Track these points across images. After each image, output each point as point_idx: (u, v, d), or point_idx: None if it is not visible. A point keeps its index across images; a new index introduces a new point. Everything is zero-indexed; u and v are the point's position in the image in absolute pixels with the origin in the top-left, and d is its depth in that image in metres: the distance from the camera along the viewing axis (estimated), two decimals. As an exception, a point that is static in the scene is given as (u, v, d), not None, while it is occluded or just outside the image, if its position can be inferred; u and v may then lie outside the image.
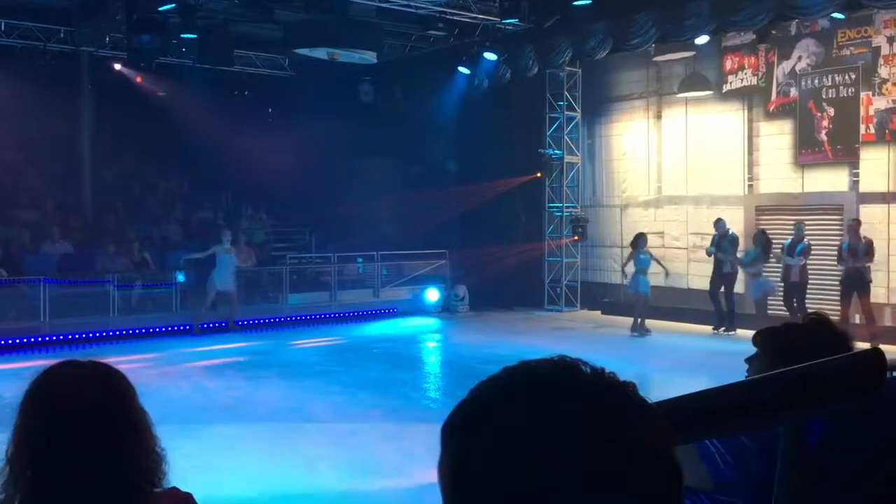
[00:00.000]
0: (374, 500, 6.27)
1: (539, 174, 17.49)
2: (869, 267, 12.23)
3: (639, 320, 13.96)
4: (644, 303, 13.99)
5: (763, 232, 13.63)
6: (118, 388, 1.65)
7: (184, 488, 1.82)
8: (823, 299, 12.83)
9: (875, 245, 12.37)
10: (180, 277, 15.34)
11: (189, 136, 18.09)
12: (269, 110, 19.75)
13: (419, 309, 17.14)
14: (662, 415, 0.79)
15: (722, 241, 13.76)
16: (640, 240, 14.07)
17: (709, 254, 13.96)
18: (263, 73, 18.70)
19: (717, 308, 13.92)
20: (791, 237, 13.07)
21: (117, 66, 17.45)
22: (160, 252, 16.90)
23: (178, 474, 1.79)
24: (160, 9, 14.16)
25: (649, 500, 0.74)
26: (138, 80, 18.26)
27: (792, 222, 13.47)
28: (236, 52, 16.92)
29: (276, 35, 15.50)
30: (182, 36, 15.08)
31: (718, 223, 13.97)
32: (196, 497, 1.87)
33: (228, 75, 17.88)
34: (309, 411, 9.03)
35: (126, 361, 11.00)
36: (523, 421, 0.74)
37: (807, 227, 13.14)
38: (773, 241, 13.45)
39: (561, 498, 0.72)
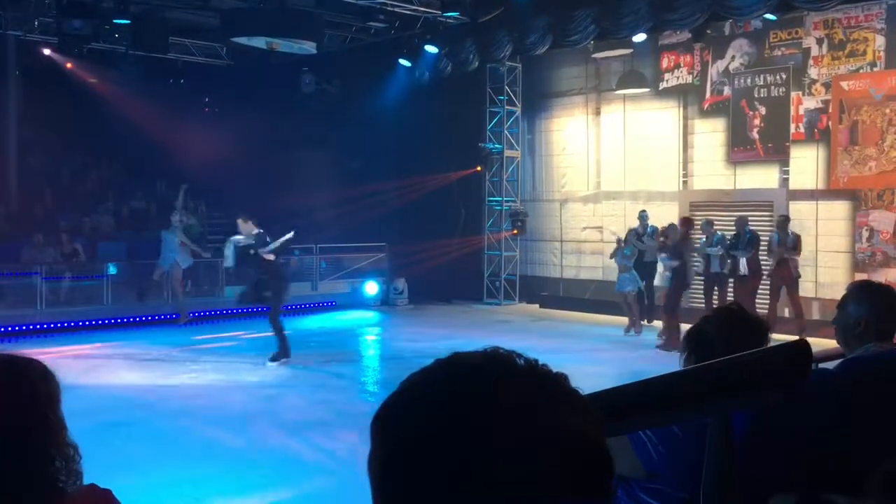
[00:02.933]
0: (312, 494, 6.22)
1: (479, 168, 17.55)
2: (797, 262, 12.58)
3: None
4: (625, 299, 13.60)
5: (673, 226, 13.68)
6: (31, 388, 1.59)
7: (112, 486, 1.77)
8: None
9: (803, 241, 12.76)
10: (112, 269, 14.97)
11: (122, 125, 17.64)
12: (206, 99, 19.39)
13: (358, 302, 17.05)
14: (594, 406, 0.79)
15: (643, 234, 13.80)
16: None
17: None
18: (200, 62, 18.30)
19: (641, 300, 14.10)
20: (735, 232, 12.81)
21: (46, 52, 16.88)
22: (91, 243, 16.45)
23: (105, 471, 1.74)
24: (92, -8, 13.77)
25: (582, 488, 0.73)
26: (69, 65, 17.71)
27: (724, 218, 13.74)
28: (171, 39, 16.51)
29: (213, 23, 15.20)
30: (115, 21, 14.66)
31: (643, 215, 13.97)
32: (124, 495, 1.82)
33: (163, 63, 17.45)
34: (244, 405, 8.90)
35: (54, 356, 10.71)
36: (455, 412, 0.73)
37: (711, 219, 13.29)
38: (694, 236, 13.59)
39: (494, 488, 0.71)
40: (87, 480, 2.06)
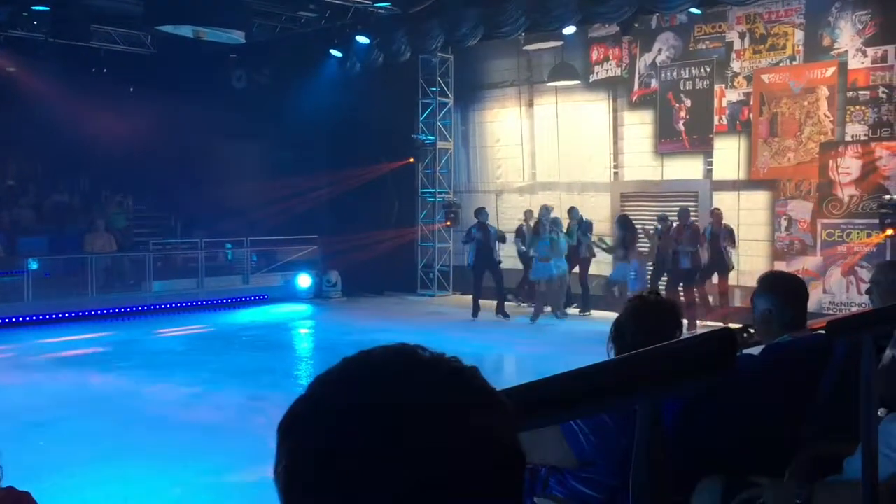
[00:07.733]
0: (244, 492, 6.14)
1: (412, 159, 17.52)
2: (730, 252, 13.00)
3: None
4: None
5: (625, 217, 14.12)
6: None
7: (36, 487, 1.72)
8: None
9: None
10: (33, 265, 14.47)
11: (42, 116, 17.02)
12: (131, 89, 18.79)
13: (291, 295, 16.87)
14: (505, 399, 0.77)
15: (578, 228, 14.25)
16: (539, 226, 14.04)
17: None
18: (123, 50, 17.76)
19: (569, 290, 14.44)
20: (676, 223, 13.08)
21: (-41, 39, 16.18)
22: (10, 237, 15.88)
23: (28, 473, 1.68)
24: (7, -22, 13.24)
25: (491, 489, 0.72)
26: (-16, 54, 17.02)
27: (653, 208, 14.05)
28: (93, 26, 16.01)
29: (137, 10, 14.78)
30: (33, 8, 14.13)
31: (572, 210, 14.48)
32: (49, 497, 1.77)
33: (85, 51, 16.88)
34: (174, 402, 8.73)
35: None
36: (355, 419, 0.71)
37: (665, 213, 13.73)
38: (638, 226, 13.97)
39: (402, 491, 0.69)
40: (8, 482, 2.00)
